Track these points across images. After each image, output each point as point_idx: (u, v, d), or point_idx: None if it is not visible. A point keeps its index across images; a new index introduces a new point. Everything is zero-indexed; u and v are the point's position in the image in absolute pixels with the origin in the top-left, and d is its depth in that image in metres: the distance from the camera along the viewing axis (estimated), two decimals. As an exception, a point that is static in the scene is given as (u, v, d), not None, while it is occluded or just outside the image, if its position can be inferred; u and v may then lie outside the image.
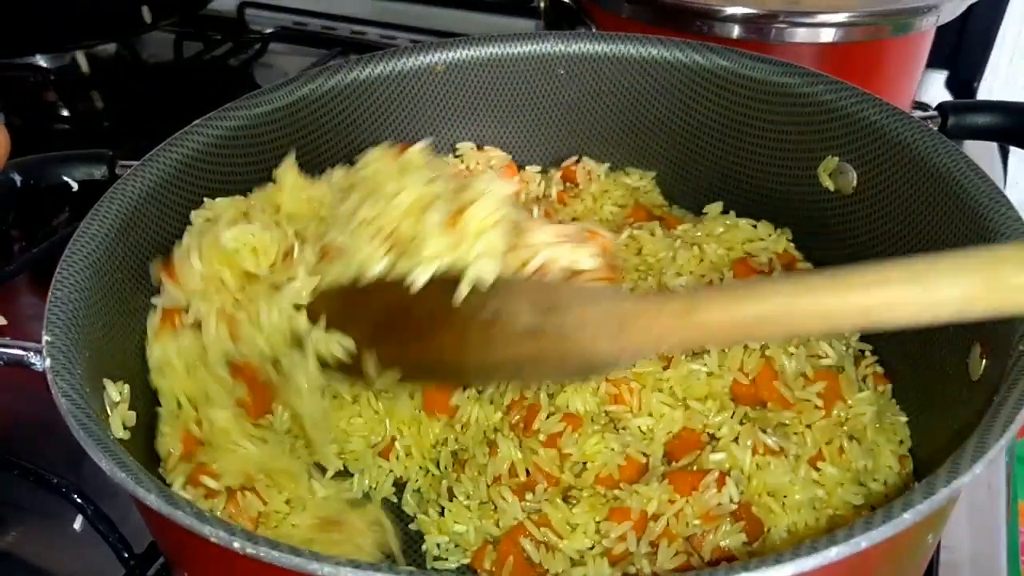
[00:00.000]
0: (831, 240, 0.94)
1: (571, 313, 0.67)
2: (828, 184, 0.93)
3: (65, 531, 0.93)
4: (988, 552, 0.90)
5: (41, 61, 1.62)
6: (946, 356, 0.76)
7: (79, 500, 0.87)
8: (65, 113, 1.62)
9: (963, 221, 0.76)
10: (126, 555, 0.86)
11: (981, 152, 1.46)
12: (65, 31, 1.55)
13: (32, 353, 0.67)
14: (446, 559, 0.80)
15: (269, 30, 1.80)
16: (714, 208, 1.03)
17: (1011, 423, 0.55)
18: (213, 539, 0.51)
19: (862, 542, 0.50)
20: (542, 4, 1.34)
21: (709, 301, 0.63)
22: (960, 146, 1.54)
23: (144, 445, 0.78)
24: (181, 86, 1.70)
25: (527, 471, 0.79)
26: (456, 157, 1.08)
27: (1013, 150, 1.55)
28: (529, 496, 0.77)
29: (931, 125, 0.85)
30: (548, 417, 0.80)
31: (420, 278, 0.70)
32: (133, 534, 0.86)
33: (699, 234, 0.98)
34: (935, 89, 1.63)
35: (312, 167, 0.99)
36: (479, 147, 1.08)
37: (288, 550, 0.50)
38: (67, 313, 0.68)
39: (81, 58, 1.63)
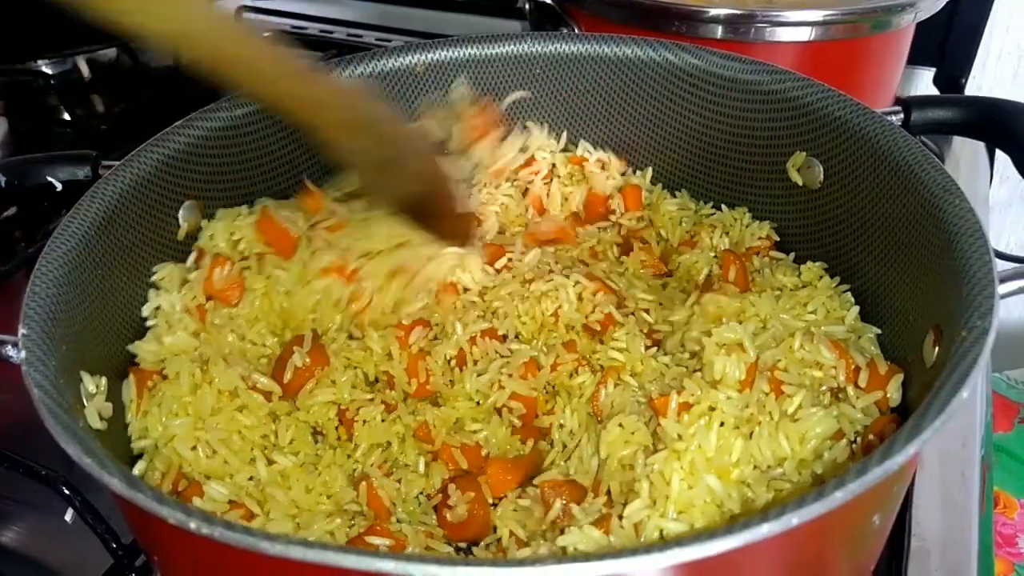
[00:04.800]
0: (803, 233, 0.96)
1: None
2: (797, 179, 0.94)
3: (56, 523, 0.93)
4: (959, 540, 0.91)
5: (43, 66, 1.65)
6: (907, 344, 0.78)
7: (67, 492, 0.89)
8: (66, 117, 1.65)
9: (920, 211, 0.77)
10: (114, 545, 0.87)
11: (969, 148, 1.47)
12: (66, 37, 1.59)
13: (9, 346, 0.69)
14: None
15: (267, 34, 1.82)
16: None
17: (947, 406, 0.56)
18: (171, 520, 0.52)
19: (793, 519, 0.51)
20: (527, 6, 1.36)
21: None
22: (947, 142, 1.53)
23: (123, 437, 0.80)
24: (180, 90, 1.71)
25: None
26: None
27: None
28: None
29: (894, 120, 0.86)
30: None
31: None
32: (121, 525, 0.88)
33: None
34: (923, 86, 1.63)
35: (293, 166, 1.02)
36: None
37: (241, 530, 0.52)
38: (44, 307, 0.70)
39: (82, 63, 1.65)
